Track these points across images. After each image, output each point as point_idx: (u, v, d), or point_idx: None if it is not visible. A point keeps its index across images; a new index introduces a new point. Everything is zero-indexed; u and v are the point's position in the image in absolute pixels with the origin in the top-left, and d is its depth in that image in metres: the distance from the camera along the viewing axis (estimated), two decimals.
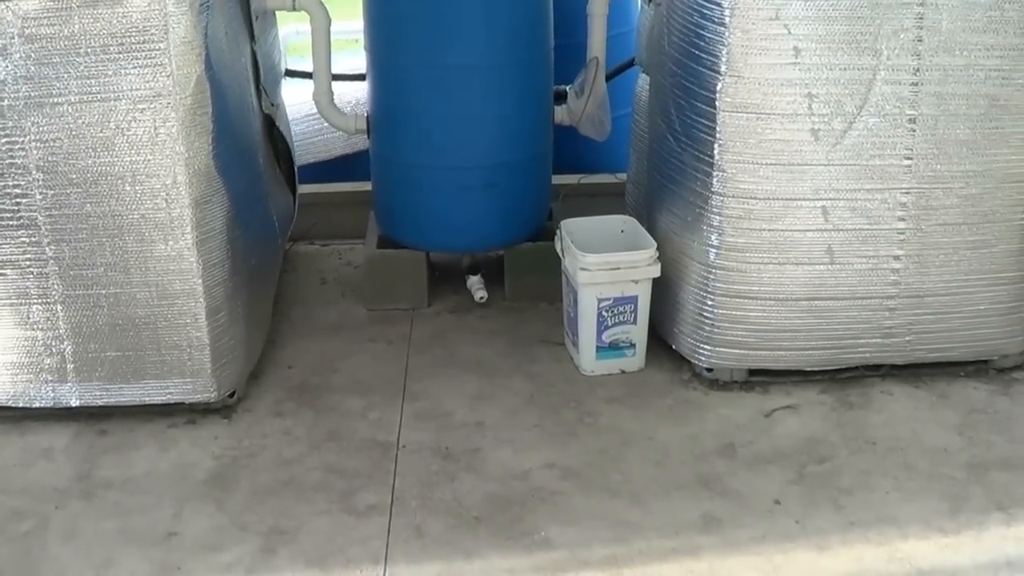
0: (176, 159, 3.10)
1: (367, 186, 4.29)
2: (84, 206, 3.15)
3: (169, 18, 2.99)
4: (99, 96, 3.05)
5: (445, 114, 3.86)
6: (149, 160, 3.10)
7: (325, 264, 4.45)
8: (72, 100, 3.05)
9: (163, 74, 3.03)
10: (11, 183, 3.13)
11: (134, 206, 3.15)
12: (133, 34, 2.99)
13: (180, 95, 3.06)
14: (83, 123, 3.07)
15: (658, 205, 3.68)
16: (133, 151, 3.09)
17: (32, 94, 3.04)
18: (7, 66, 3.01)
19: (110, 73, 3.02)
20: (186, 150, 3.10)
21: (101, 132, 3.08)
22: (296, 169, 4.14)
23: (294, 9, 3.89)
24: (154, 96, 3.04)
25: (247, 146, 3.57)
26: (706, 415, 3.42)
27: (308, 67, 4.10)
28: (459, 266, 4.19)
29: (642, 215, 3.84)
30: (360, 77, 4.17)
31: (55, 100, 3.05)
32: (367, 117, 4.05)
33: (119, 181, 3.12)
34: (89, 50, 3.00)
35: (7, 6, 2.94)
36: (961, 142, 3.28)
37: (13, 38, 2.98)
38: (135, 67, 3.02)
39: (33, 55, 3.01)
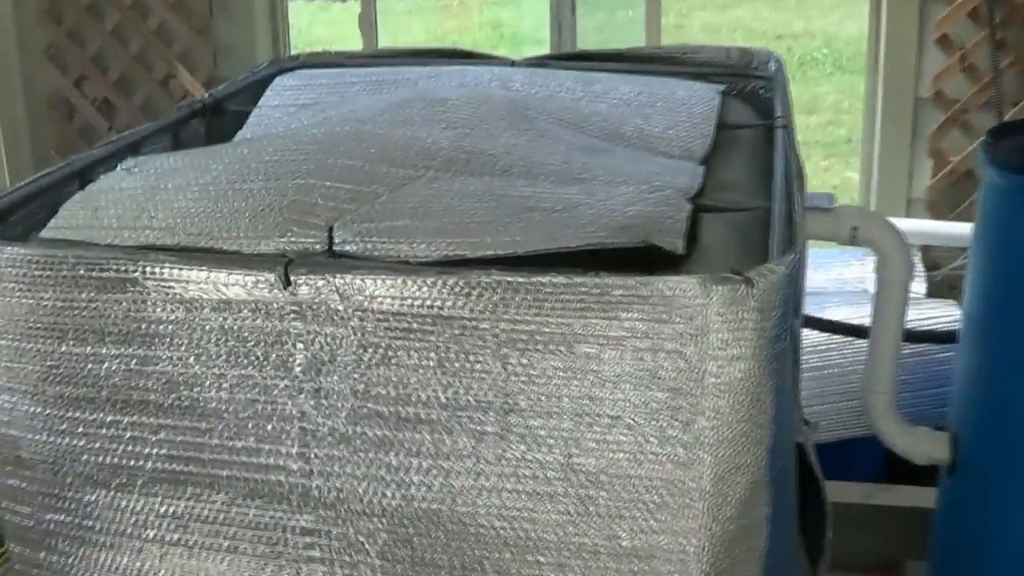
0: None
1: (886, 498, 2.84)
2: None
3: (710, 363, 1.24)
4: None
5: None
6: None
7: None
8: None
9: (676, 462, 1.28)
10: None
11: None
12: (626, 383, 1.26)
13: (712, 525, 1.30)
14: None
15: None
16: None
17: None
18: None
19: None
20: None
21: None
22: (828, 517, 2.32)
23: (852, 243, 2.11)
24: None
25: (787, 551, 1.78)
26: None
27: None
28: None
29: None
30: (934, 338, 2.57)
31: None
32: (952, 439, 2.22)
33: None
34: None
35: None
36: None
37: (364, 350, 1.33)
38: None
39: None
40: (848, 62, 9.00)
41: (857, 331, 2.80)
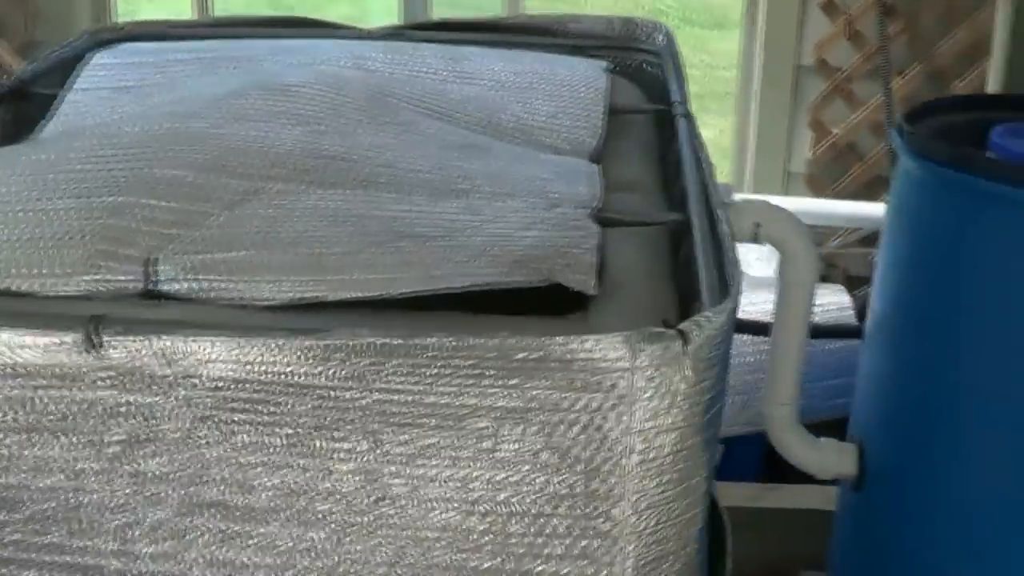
0: None
1: (774, 500, 2.58)
2: None
3: (634, 438, 1.00)
4: None
5: None
6: None
7: None
8: None
9: (590, 558, 1.04)
10: None
11: None
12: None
13: None
14: None
15: None
16: None
17: None
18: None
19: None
20: None
21: None
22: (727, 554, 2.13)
23: (753, 240, 1.89)
24: None
25: None
26: None
27: None
28: None
29: None
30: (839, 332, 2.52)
31: None
32: (858, 451, 2.03)
33: None
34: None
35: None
36: None
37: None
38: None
39: None
40: (695, 16, 8.86)
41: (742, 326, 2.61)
